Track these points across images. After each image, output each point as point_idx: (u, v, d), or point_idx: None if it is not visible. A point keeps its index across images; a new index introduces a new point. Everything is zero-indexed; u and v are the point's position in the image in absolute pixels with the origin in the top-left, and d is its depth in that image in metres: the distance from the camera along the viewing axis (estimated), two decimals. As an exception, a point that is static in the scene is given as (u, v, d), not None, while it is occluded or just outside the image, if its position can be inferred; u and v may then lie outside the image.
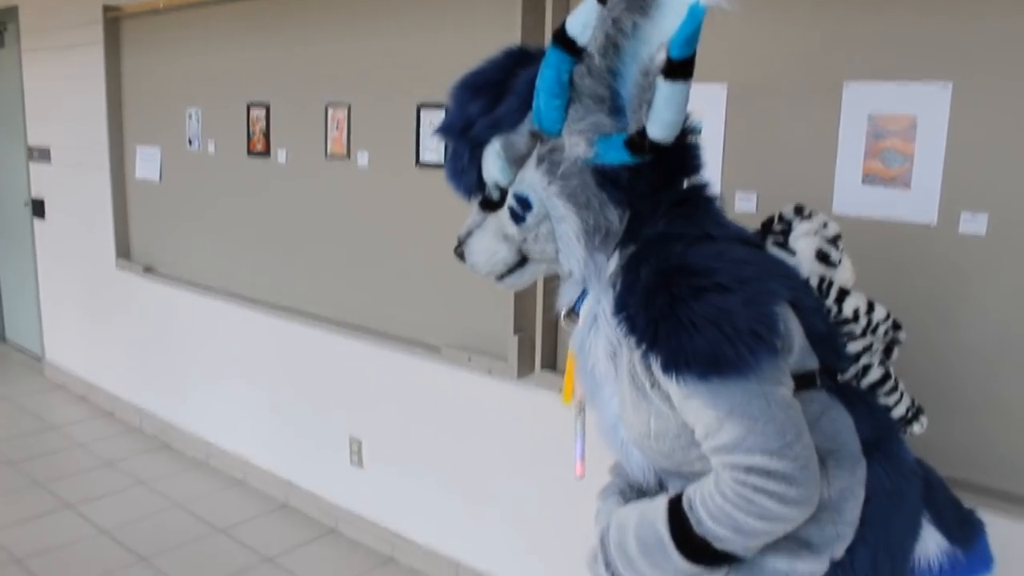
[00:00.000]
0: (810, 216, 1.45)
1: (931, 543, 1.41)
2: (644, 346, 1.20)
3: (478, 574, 2.95)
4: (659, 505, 1.30)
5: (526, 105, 1.27)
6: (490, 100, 1.31)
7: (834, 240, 1.45)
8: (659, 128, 1.20)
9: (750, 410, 1.17)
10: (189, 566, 3.13)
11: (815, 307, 1.33)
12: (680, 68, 1.15)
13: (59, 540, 3.29)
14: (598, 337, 1.35)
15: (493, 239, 1.35)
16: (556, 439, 2.54)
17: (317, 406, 3.45)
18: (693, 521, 1.24)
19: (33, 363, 5.36)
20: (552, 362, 2.63)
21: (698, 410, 1.21)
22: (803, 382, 1.28)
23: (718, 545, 1.22)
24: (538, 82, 1.24)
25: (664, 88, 1.17)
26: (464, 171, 1.35)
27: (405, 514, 3.17)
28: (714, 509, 1.21)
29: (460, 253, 1.39)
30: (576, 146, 1.22)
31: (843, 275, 1.44)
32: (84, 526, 3.41)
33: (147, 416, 4.37)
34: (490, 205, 1.36)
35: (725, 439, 1.19)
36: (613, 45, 1.19)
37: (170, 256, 4.11)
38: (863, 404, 1.38)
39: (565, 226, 1.26)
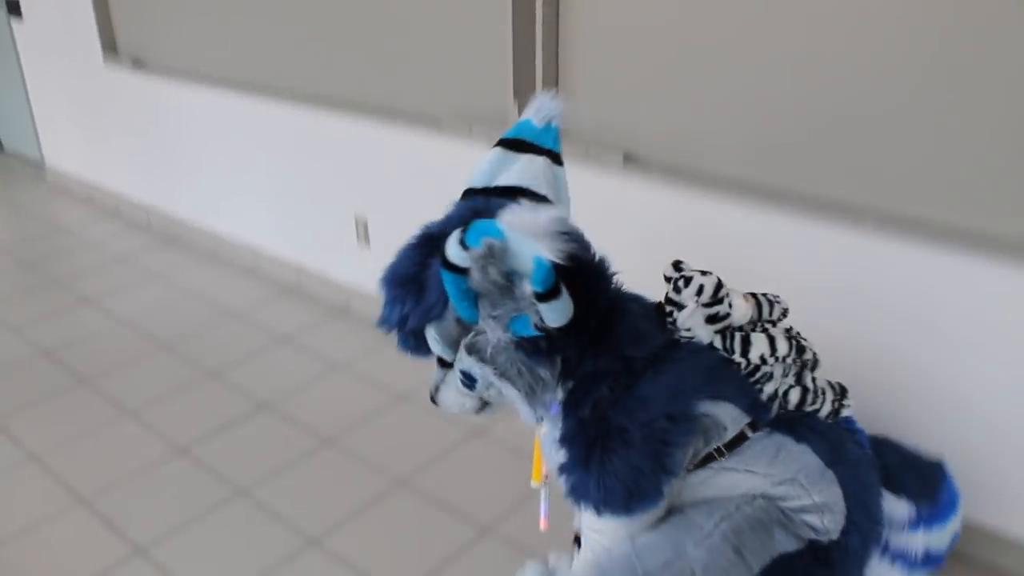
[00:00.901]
0: (686, 283, 1.53)
1: (899, 509, 1.65)
2: (578, 501, 1.48)
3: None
4: None
5: (444, 295, 1.40)
6: (415, 293, 1.46)
7: (715, 294, 1.53)
8: (554, 322, 1.35)
9: (619, 532, 1.55)
10: (210, 349, 3.25)
11: (734, 391, 1.53)
12: (545, 295, 1.30)
13: (83, 332, 3.41)
14: (555, 449, 1.53)
15: (456, 394, 1.57)
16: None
17: (322, 188, 3.44)
18: None
19: (34, 170, 5.34)
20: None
21: (596, 521, 1.57)
22: (738, 440, 1.54)
23: None
24: (448, 293, 1.38)
25: (544, 307, 1.32)
26: (414, 349, 1.55)
27: (414, 288, 3.23)
28: None
29: (434, 400, 1.61)
30: (494, 331, 1.38)
31: (739, 316, 1.54)
32: (106, 318, 3.52)
33: (155, 212, 4.40)
34: (444, 363, 1.54)
35: (595, 534, 1.60)
36: (486, 276, 1.32)
37: (160, 44, 3.96)
38: (809, 431, 1.58)
39: (507, 392, 1.46)
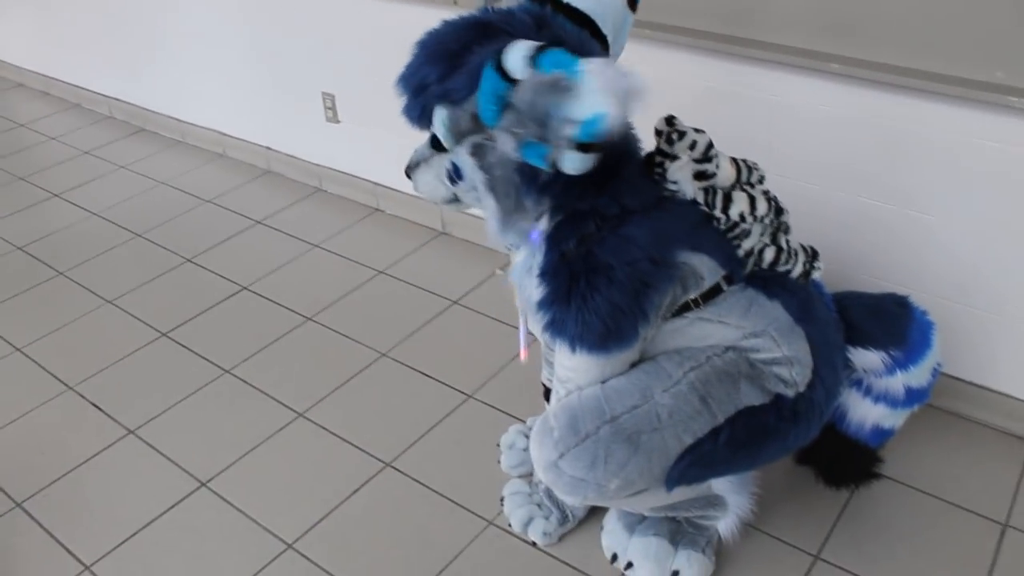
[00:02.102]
0: (680, 137, 1.54)
1: (870, 360, 1.73)
2: (555, 336, 1.51)
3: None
4: None
5: (474, 85, 1.35)
6: (445, 70, 1.41)
7: (706, 152, 1.55)
8: (570, 169, 1.31)
9: (590, 369, 1.56)
10: (185, 236, 3.23)
11: (713, 244, 1.56)
12: (585, 147, 1.27)
13: (54, 226, 3.38)
14: (531, 280, 1.55)
15: (434, 179, 1.56)
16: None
17: (286, 66, 3.33)
18: None
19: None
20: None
21: (569, 359, 1.56)
22: (713, 291, 1.57)
23: None
24: (481, 82, 1.32)
25: (571, 154, 1.28)
26: (416, 119, 1.49)
27: (385, 165, 3.20)
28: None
29: (408, 175, 1.61)
30: (506, 144, 1.34)
31: (723, 178, 1.57)
32: (75, 211, 3.48)
33: (115, 103, 4.28)
34: (437, 145, 1.51)
35: (566, 371, 1.60)
36: (538, 100, 1.28)
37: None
38: (781, 288, 1.62)
39: (486, 204, 1.46)
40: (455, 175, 1.51)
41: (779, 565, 1.84)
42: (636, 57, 2.23)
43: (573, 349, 1.50)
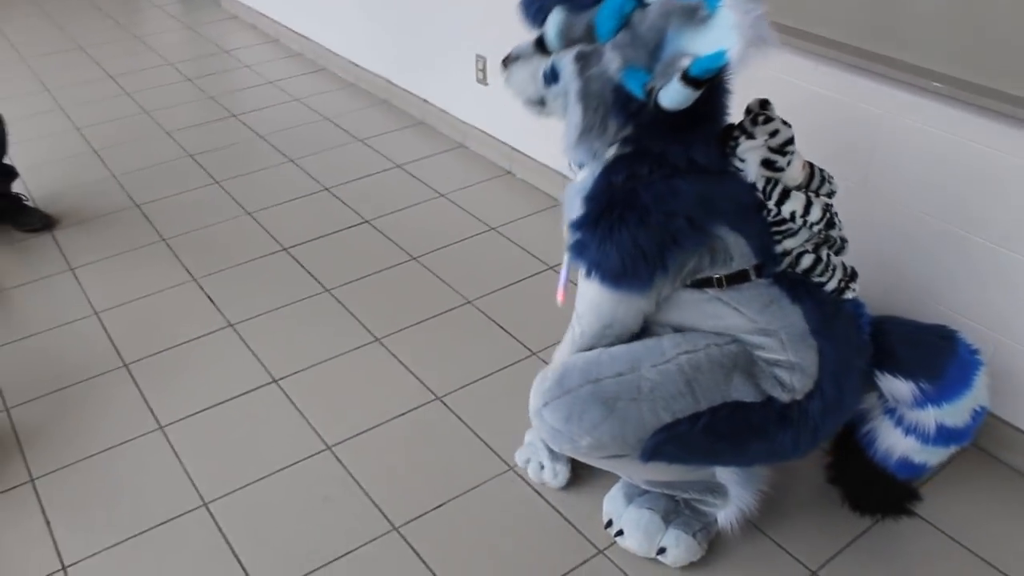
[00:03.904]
0: (765, 122, 1.55)
1: (898, 386, 1.70)
2: (575, 257, 1.55)
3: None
4: None
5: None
6: None
7: (783, 146, 1.55)
8: (666, 102, 1.34)
9: (602, 303, 1.60)
10: (331, 168, 3.50)
11: (754, 230, 1.56)
12: (692, 80, 1.29)
13: (225, 142, 3.75)
14: (577, 201, 1.58)
15: (528, 77, 1.56)
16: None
17: (447, 26, 3.53)
18: None
19: (212, -5, 5.73)
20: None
21: (582, 280, 1.61)
22: (740, 277, 1.57)
23: None
24: None
25: (676, 84, 1.31)
26: (532, 15, 1.54)
27: (523, 131, 3.32)
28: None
29: (505, 67, 1.61)
30: (611, 61, 1.37)
31: (790, 176, 1.56)
32: (245, 131, 3.84)
33: (307, 42, 4.65)
34: (541, 47, 1.53)
35: (579, 301, 1.66)
36: (662, 25, 1.32)
37: None
38: (808, 296, 1.60)
39: (571, 113, 1.46)
40: (551, 77, 1.51)
41: (773, 572, 1.82)
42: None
43: (589, 273, 1.53)
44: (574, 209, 1.59)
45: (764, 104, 1.61)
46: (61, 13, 5.47)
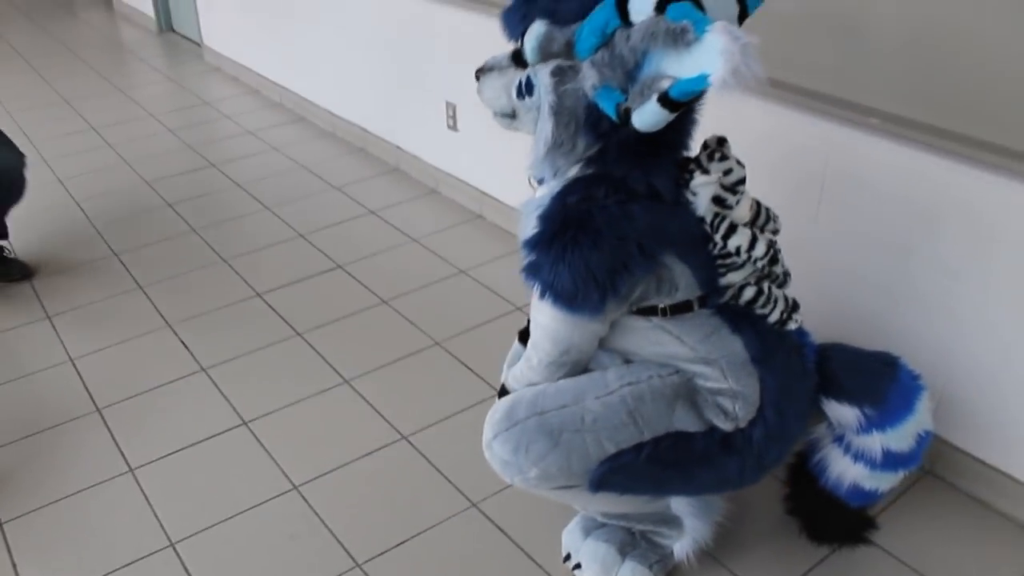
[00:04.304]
0: (721, 159, 1.59)
1: (844, 414, 1.75)
2: (529, 278, 1.57)
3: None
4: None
5: (582, 15, 1.40)
6: None
7: (735, 185, 1.59)
8: (639, 122, 1.36)
9: (557, 328, 1.62)
10: (305, 215, 3.59)
11: (700, 262, 1.60)
12: (669, 102, 1.31)
13: (204, 190, 3.84)
14: (532, 220, 1.60)
15: (501, 88, 1.58)
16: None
17: (418, 73, 3.64)
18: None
19: (194, 48, 5.86)
20: None
21: (535, 302, 1.61)
22: (684, 307, 1.61)
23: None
24: (590, 14, 1.38)
25: (653, 105, 1.32)
26: (514, 25, 1.52)
27: (492, 175, 3.42)
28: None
29: (478, 77, 1.63)
30: (588, 79, 1.39)
31: (738, 214, 1.61)
32: (223, 180, 3.93)
33: (287, 93, 4.76)
34: (518, 60, 1.55)
35: (534, 328, 1.67)
36: (644, 46, 1.33)
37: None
38: (749, 327, 1.64)
39: (542, 127, 1.50)
40: (524, 89, 1.52)
41: (728, 600, 1.86)
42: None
43: (542, 295, 1.54)
44: (529, 226, 1.61)
45: (722, 142, 1.65)
46: (50, 69, 5.59)
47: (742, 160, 1.64)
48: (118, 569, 1.97)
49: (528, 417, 1.63)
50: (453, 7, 3.27)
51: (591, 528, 1.90)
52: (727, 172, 1.60)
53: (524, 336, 1.92)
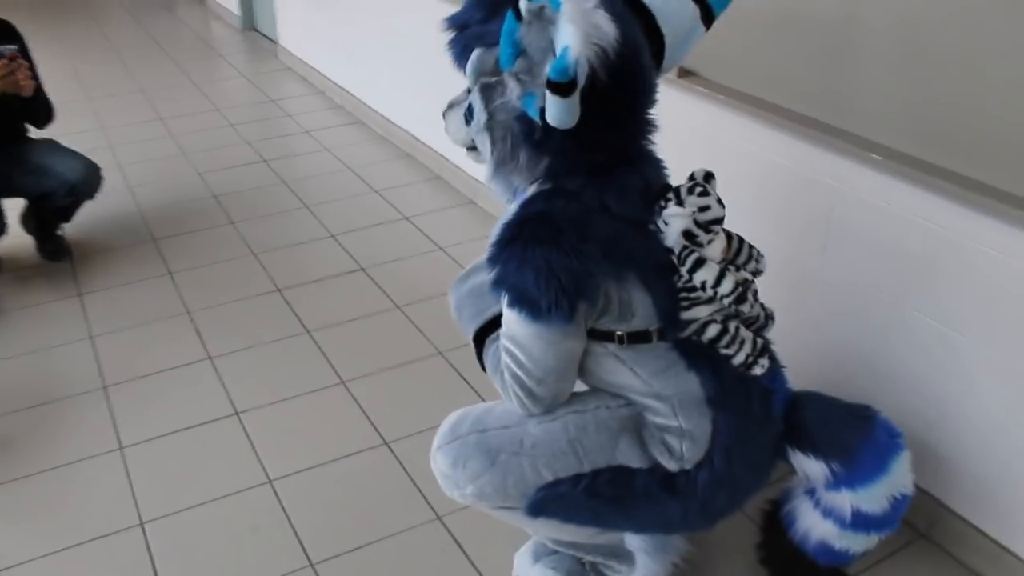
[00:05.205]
0: (701, 194, 1.54)
1: (810, 464, 1.67)
2: (495, 288, 1.49)
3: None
4: (486, 314, 1.68)
5: None
6: (488, 12, 1.46)
7: (710, 223, 1.54)
8: (549, 118, 1.34)
9: (531, 347, 1.52)
10: (342, 216, 3.65)
11: (661, 290, 1.54)
12: (554, 86, 1.27)
13: (248, 184, 3.96)
14: None
15: (459, 121, 1.60)
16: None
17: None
18: (485, 353, 1.68)
19: (272, 47, 6.04)
20: None
21: (506, 318, 1.55)
22: (641, 337, 1.55)
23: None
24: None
25: (548, 96, 1.30)
26: (457, 56, 1.53)
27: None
28: (492, 367, 1.64)
29: (444, 116, 1.67)
30: (512, 90, 1.40)
31: (709, 252, 1.55)
32: (271, 176, 4.04)
33: (347, 96, 4.87)
34: (469, 91, 1.55)
35: (509, 347, 1.56)
36: (540, 42, 1.33)
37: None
38: (707, 365, 1.57)
39: (482, 146, 1.53)
40: (468, 116, 1.53)
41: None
42: (711, 118, 2.29)
43: (510, 304, 1.47)
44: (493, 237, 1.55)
45: (708, 176, 1.60)
46: (135, 61, 5.85)
47: (722, 200, 1.58)
48: (85, 542, 2.04)
49: (470, 433, 1.62)
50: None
51: (541, 554, 1.87)
52: (703, 208, 1.54)
53: None
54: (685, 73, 2.34)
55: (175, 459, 2.30)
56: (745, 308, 1.59)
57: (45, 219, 3.25)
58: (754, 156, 2.24)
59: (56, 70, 5.11)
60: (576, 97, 1.30)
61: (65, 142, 3.22)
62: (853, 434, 1.66)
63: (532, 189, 1.55)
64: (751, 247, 1.64)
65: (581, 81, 1.29)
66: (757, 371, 1.62)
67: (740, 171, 2.26)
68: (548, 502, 1.59)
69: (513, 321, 1.52)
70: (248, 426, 2.41)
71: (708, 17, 1.59)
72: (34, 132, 3.19)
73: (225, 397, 2.53)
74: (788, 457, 1.71)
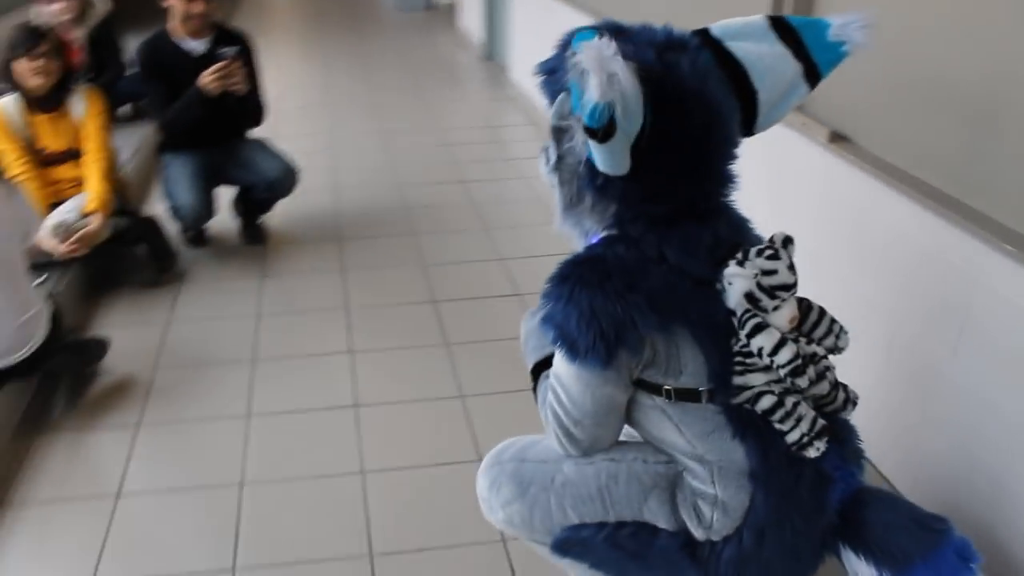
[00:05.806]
0: (770, 257, 1.48)
1: (862, 568, 1.54)
2: (544, 325, 1.48)
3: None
4: (547, 350, 1.66)
5: None
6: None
7: (775, 289, 1.47)
8: (597, 163, 1.36)
9: (571, 387, 1.52)
10: (514, 242, 3.79)
11: (714, 351, 1.48)
12: (590, 132, 1.29)
13: (439, 201, 4.22)
14: None
15: (542, 161, 1.59)
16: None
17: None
18: (539, 387, 1.67)
19: (504, 77, 6.35)
20: None
21: (556, 356, 1.53)
22: (690, 395, 1.50)
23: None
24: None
25: (590, 141, 1.32)
26: (549, 101, 1.54)
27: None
28: (541, 400, 1.64)
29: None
30: (578, 133, 1.40)
31: (775, 321, 1.48)
32: (462, 196, 4.28)
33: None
34: None
35: (554, 384, 1.56)
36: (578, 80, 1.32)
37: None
38: (755, 437, 1.49)
39: (553, 189, 1.54)
40: (545, 156, 1.54)
41: None
42: (855, 189, 2.16)
43: (555, 341, 1.46)
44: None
45: (787, 241, 1.53)
46: (378, 79, 6.42)
47: (795, 267, 1.49)
48: (192, 488, 2.29)
49: (510, 461, 1.65)
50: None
51: None
52: (769, 272, 1.46)
53: None
54: (837, 138, 2.23)
55: (288, 434, 2.50)
56: (802, 382, 1.49)
57: (250, 207, 3.65)
58: (898, 232, 2.09)
59: (310, 75, 5.70)
60: (616, 144, 1.31)
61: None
62: (915, 545, 1.50)
63: (601, 234, 1.56)
64: (833, 321, 1.55)
65: (625, 129, 1.29)
66: (811, 453, 1.51)
67: (890, 255, 2.11)
68: (572, 544, 1.58)
69: (558, 359, 1.53)
70: (362, 419, 2.57)
71: (813, 75, 1.52)
72: (249, 132, 3.61)
73: (351, 389, 2.71)
74: (839, 554, 1.58)
